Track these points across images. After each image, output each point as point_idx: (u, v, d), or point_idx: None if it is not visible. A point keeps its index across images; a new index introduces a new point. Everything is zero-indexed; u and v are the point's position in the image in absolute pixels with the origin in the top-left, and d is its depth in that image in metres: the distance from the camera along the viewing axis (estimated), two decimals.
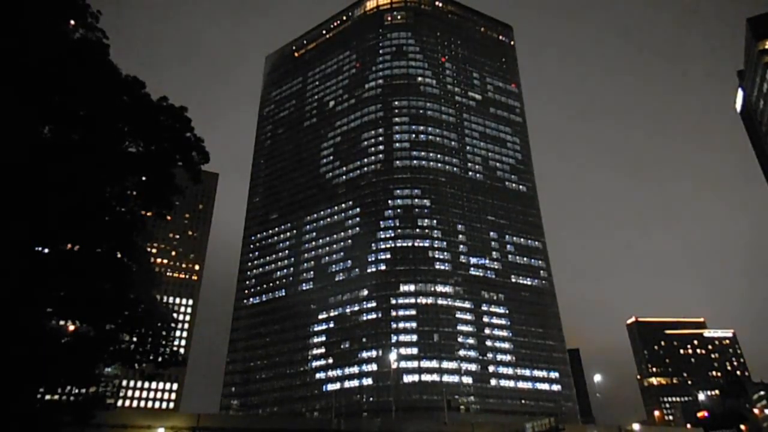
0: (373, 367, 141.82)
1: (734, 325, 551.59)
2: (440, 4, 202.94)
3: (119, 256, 22.25)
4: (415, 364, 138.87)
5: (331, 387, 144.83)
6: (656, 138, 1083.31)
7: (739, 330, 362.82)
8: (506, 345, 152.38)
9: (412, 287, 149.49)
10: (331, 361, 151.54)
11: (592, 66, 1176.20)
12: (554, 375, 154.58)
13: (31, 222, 18.72)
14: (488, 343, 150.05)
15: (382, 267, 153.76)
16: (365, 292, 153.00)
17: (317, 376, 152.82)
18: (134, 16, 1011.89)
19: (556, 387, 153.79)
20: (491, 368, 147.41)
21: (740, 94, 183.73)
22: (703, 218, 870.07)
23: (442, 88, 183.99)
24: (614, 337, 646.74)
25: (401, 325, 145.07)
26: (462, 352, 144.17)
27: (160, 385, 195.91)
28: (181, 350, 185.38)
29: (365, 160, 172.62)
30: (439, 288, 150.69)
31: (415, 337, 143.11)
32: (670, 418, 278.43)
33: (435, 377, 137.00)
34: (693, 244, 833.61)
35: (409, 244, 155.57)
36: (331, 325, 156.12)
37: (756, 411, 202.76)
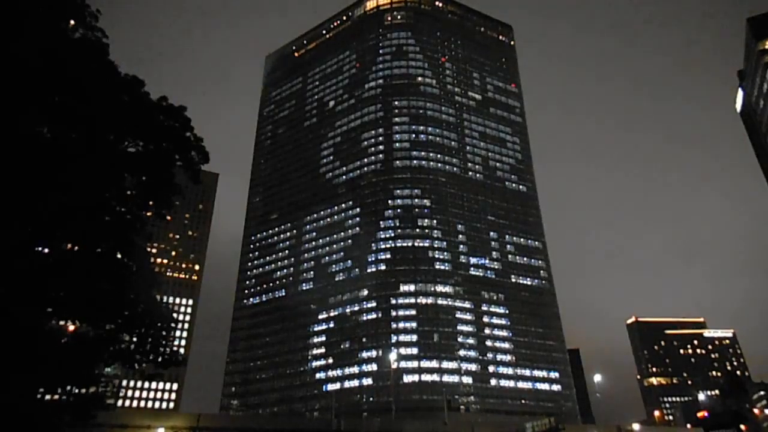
0: (373, 367, 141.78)
1: (734, 325, 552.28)
2: (440, 4, 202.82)
3: (119, 256, 22.21)
4: (415, 364, 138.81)
5: (331, 387, 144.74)
6: (656, 137, 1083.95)
7: (739, 330, 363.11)
8: (506, 345, 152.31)
9: (412, 287, 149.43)
10: (331, 361, 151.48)
11: (592, 65, 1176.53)
12: (554, 375, 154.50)
13: (31, 222, 18.69)
14: (488, 343, 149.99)
15: (382, 267, 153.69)
16: (365, 292, 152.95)
17: (317, 376, 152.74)
18: (133, 15, 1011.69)
19: (556, 387, 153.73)
20: (491, 368, 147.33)
21: (740, 94, 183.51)
22: (703, 218, 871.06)
23: (442, 88, 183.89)
24: (614, 337, 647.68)
25: (401, 325, 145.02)
26: (462, 352, 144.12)
27: (160, 385, 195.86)
28: (181, 350, 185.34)
29: (365, 160, 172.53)
30: (439, 288, 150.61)
31: (415, 337, 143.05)
32: (670, 418, 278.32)
33: (435, 377, 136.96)
34: (693, 244, 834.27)
35: (409, 244, 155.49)
36: (331, 325, 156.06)
37: (756, 411, 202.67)
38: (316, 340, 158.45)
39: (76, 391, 23.10)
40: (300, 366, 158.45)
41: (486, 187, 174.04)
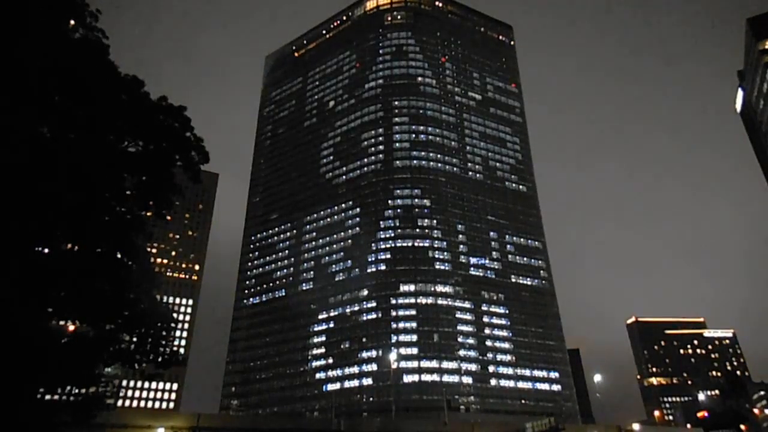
0: (373, 367, 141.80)
1: (734, 325, 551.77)
2: (440, 4, 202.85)
3: (119, 256, 22.20)
4: (415, 364, 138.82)
5: (331, 387, 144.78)
6: (656, 138, 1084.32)
7: (739, 330, 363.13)
8: (506, 345, 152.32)
9: (412, 287, 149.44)
10: (331, 361, 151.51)
11: (592, 66, 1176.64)
12: (554, 375, 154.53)
13: (31, 222, 18.68)
14: (488, 343, 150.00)
15: (382, 267, 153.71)
16: (365, 292, 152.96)
17: (317, 376, 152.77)
18: (133, 15, 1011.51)
19: (556, 387, 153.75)
20: (491, 368, 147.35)
21: (740, 94, 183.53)
22: (703, 218, 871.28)
23: (442, 88, 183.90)
24: (614, 337, 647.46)
25: (401, 325, 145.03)
26: (462, 352, 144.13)
27: (160, 385, 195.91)
28: (181, 350, 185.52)
29: (365, 160, 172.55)
30: (439, 288, 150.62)
31: (415, 337, 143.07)
32: (670, 418, 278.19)
33: (435, 377, 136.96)
34: (693, 244, 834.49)
35: (409, 244, 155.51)
36: (331, 325, 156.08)
37: (756, 411, 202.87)
38: (316, 340, 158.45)
39: (76, 391, 23.09)
40: (300, 366, 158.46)
41: (486, 187, 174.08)
